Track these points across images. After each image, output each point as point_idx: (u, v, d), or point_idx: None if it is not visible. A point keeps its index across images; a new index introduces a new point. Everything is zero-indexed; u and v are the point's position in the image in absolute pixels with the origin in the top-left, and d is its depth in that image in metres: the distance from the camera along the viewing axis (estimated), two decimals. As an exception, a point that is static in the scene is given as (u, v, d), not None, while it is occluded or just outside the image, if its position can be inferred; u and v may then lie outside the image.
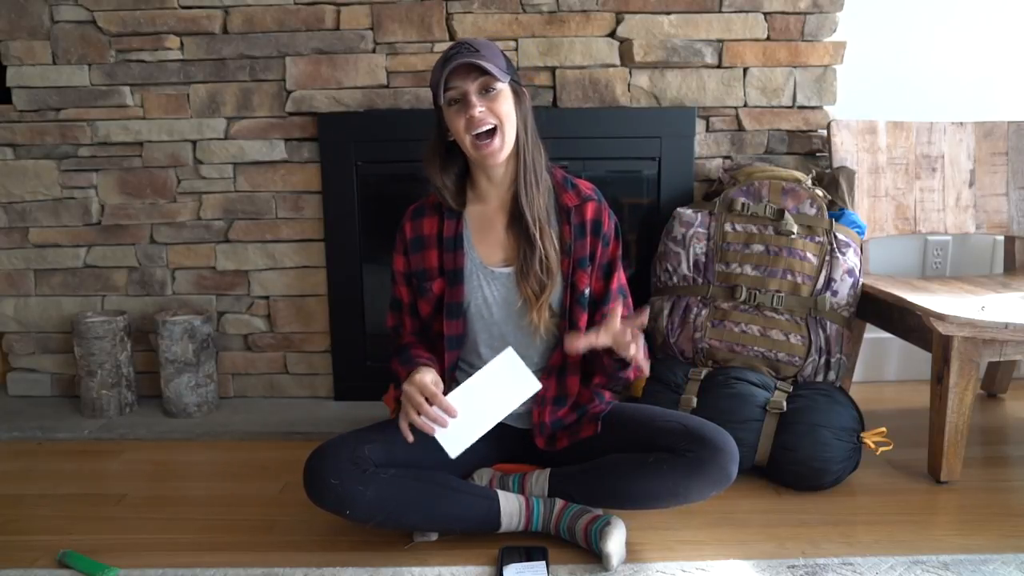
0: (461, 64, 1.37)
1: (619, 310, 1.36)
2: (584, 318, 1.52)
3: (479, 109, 1.39)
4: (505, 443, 1.57)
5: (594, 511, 1.42)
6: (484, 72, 1.38)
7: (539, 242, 1.46)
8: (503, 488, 1.48)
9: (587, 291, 1.51)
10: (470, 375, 1.51)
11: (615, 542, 1.35)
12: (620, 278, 1.57)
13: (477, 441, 1.54)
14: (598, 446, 1.46)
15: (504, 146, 1.43)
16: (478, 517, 1.40)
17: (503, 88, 1.41)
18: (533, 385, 1.39)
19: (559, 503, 1.43)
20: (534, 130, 1.49)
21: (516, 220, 1.50)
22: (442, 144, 1.50)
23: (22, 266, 2.22)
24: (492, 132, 1.41)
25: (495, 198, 1.53)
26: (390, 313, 1.63)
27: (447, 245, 1.51)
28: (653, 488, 1.38)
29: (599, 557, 1.35)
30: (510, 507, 1.41)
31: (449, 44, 1.46)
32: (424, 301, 1.55)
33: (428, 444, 1.48)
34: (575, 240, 1.50)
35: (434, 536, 1.44)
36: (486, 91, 1.40)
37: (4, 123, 2.14)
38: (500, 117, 1.41)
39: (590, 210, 1.52)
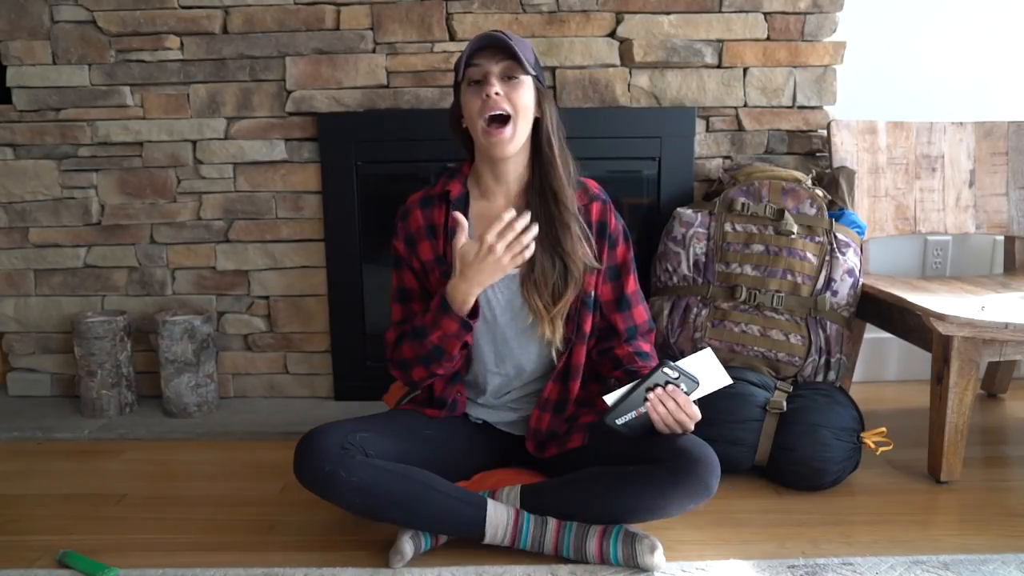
0: (490, 43, 1.37)
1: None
2: (589, 321, 1.51)
3: (496, 90, 1.37)
4: (493, 444, 1.57)
5: (597, 525, 1.38)
6: (511, 55, 1.36)
7: (572, 268, 1.45)
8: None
9: (593, 293, 1.51)
10: (477, 383, 1.53)
11: (659, 555, 1.33)
12: (635, 282, 1.56)
13: (466, 443, 1.55)
14: (586, 456, 1.44)
15: (515, 138, 1.40)
16: (461, 524, 1.36)
17: (526, 80, 1.40)
18: (725, 380, 1.39)
19: (552, 523, 1.37)
20: (560, 137, 1.47)
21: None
22: (457, 132, 1.49)
23: (22, 266, 2.22)
24: (505, 121, 1.39)
25: (501, 196, 1.50)
26: (397, 305, 1.54)
27: (450, 235, 1.46)
28: (629, 502, 1.33)
29: (623, 569, 1.34)
30: (496, 519, 1.36)
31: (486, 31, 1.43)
32: (441, 287, 1.47)
33: (423, 442, 1.48)
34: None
35: (409, 555, 1.37)
36: (508, 77, 1.39)
37: (4, 123, 2.14)
38: (516, 107, 1.39)
39: (595, 211, 1.51)
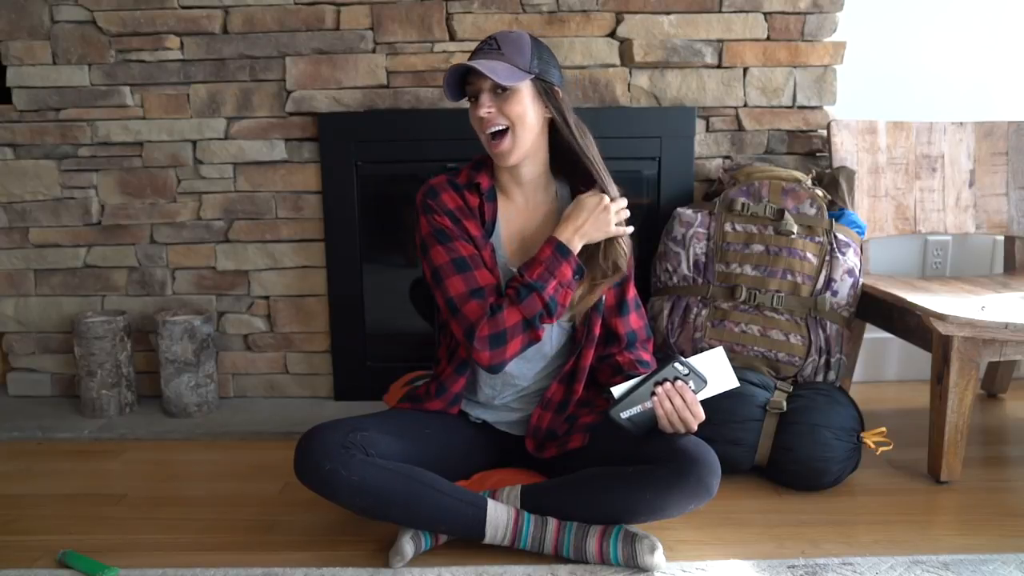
0: (466, 70, 1.39)
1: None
2: (599, 324, 1.53)
3: (486, 110, 1.40)
4: (493, 445, 1.57)
5: (597, 525, 1.38)
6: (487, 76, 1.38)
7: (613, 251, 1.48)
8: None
9: (604, 297, 1.53)
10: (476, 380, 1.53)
11: (659, 555, 1.33)
12: (634, 289, 1.58)
13: (466, 443, 1.54)
14: (586, 457, 1.44)
15: (515, 148, 1.43)
16: (462, 523, 1.36)
17: (517, 87, 1.41)
18: (732, 382, 1.40)
19: (552, 523, 1.37)
20: (577, 125, 1.47)
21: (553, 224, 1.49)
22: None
23: (22, 266, 2.22)
24: (504, 132, 1.42)
25: (519, 195, 1.53)
26: (455, 278, 1.42)
27: (488, 228, 1.49)
28: (629, 502, 1.34)
29: (623, 569, 1.34)
30: (497, 519, 1.36)
31: (486, 38, 1.46)
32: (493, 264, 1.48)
33: (423, 442, 1.48)
34: None
35: (410, 555, 1.37)
36: (498, 90, 1.41)
37: (4, 123, 2.14)
38: (511, 118, 1.41)
39: None
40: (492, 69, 1.37)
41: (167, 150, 2.14)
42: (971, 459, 1.78)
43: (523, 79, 1.40)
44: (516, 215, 1.53)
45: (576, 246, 1.43)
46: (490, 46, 1.42)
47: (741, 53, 2.08)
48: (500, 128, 1.41)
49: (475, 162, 1.54)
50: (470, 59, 1.42)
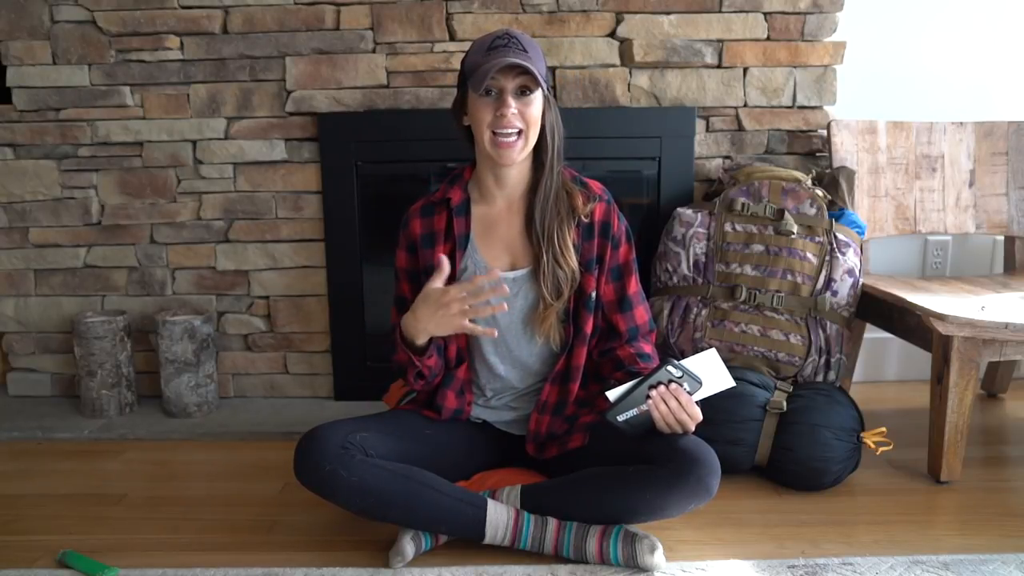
0: (511, 66, 1.37)
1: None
2: (590, 322, 1.51)
3: (512, 111, 1.39)
4: (493, 444, 1.57)
5: (596, 525, 1.38)
6: (527, 73, 1.38)
7: (563, 261, 1.46)
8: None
9: (594, 294, 1.51)
10: (478, 382, 1.53)
11: (659, 555, 1.33)
12: (636, 283, 1.56)
13: (466, 443, 1.54)
14: (586, 456, 1.44)
15: (523, 150, 1.43)
16: (462, 524, 1.36)
17: (538, 93, 1.42)
18: (728, 382, 1.40)
19: (552, 523, 1.37)
20: (561, 141, 1.48)
21: (531, 223, 1.49)
22: (460, 126, 1.50)
23: (22, 266, 2.22)
24: (518, 134, 1.41)
25: (501, 199, 1.52)
26: (394, 311, 1.58)
27: (460, 243, 1.50)
28: (629, 502, 1.34)
29: (623, 569, 1.34)
30: (497, 519, 1.36)
31: (497, 33, 1.43)
32: None
33: (423, 442, 1.48)
34: (583, 242, 1.50)
35: (410, 556, 1.37)
36: (522, 93, 1.40)
37: (4, 123, 2.14)
38: (528, 122, 1.41)
39: (598, 211, 1.51)
40: (536, 72, 1.37)
41: (167, 150, 2.14)
42: (971, 459, 1.78)
43: (544, 86, 1.42)
44: (497, 215, 1.52)
45: (414, 334, 1.40)
46: (516, 46, 1.39)
47: (741, 53, 2.08)
48: (517, 129, 1.40)
49: (451, 176, 1.55)
50: (489, 53, 1.40)
